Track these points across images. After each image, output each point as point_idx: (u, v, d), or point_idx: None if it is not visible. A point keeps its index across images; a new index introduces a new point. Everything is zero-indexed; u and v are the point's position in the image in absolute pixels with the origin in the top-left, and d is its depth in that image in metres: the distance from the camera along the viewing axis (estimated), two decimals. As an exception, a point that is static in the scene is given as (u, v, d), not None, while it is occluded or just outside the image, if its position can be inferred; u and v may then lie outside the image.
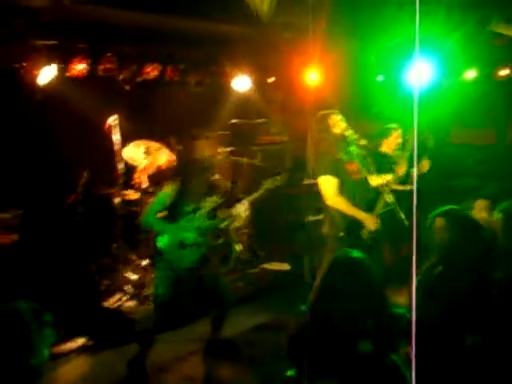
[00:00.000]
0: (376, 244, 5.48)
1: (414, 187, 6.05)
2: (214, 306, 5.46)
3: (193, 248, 5.12)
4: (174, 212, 5.14)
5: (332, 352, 2.39)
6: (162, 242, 5.08)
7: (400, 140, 7.09)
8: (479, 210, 5.28)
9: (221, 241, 6.16)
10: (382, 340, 2.55)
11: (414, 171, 6.08)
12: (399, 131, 7.16)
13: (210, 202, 5.21)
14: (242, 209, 6.62)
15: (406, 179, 6.49)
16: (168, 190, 5.08)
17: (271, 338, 5.85)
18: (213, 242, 5.69)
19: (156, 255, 5.25)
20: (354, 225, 5.48)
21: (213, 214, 5.26)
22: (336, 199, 5.46)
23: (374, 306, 2.76)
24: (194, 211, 5.15)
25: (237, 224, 7.32)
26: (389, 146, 7.16)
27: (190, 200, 5.13)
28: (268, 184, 5.83)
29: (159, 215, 5.15)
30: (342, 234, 5.49)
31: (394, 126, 7.24)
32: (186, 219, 5.12)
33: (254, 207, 6.93)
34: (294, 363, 2.47)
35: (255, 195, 5.85)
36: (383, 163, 6.75)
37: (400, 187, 6.27)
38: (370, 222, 5.43)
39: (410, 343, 2.32)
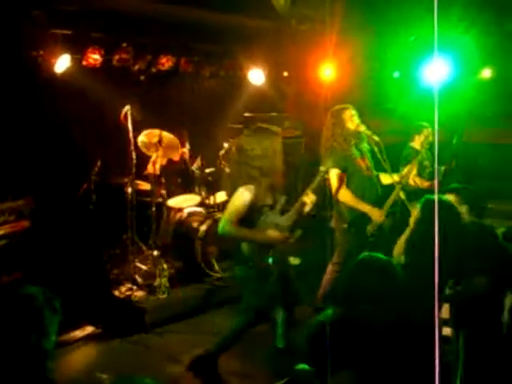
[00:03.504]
0: (379, 241, 5.50)
1: (436, 185, 6.06)
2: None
3: None
4: None
5: (353, 347, 2.43)
6: None
7: (430, 139, 7.10)
8: None
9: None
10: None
11: (436, 168, 6.08)
12: (429, 130, 7.18)
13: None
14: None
15: (432, 175, 6.52)
16: None
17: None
18: None
19: None
20: (359, 219, 5.51)
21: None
22: (343, 192, 5.51)
23: (398, 306, 2.83)
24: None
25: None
26: (420, 142, 7.21)
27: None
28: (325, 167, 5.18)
29: None
30: (345, 225, 5.54)
31: (424, 123, 7.27)
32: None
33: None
34: (312, 359, 2.49)
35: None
36: (404, 159, 6.82)
37: (419, 182, 6.31)
38: (375, 214, 5.46)
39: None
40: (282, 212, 4.72)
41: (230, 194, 4.75)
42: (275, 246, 4.59)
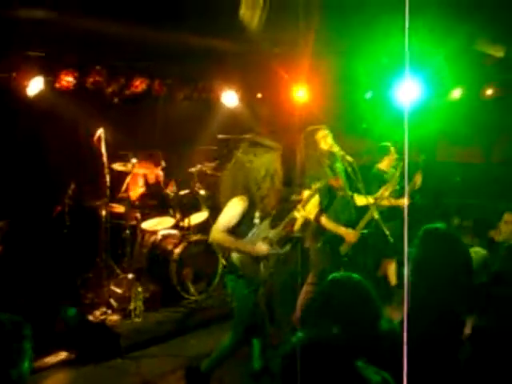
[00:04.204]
0: (353, 260, 5.54)
1: (406, 203, 6.12)
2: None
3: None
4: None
5: (325, 369, 2.40)
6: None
7: (395, 157, 7.16)
8: (506, 223, 5.26)
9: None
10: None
11: (406, 187, 6.14)
12: (394, 149, 7.23)
13: None
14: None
15: (400, 194, 6.57)
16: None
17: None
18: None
19: None
20: (333, 238, 5.54)
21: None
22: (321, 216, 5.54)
23: (368, 323, 2.83)
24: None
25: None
26: (389, 163, 7.22)
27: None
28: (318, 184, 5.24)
29: None
30: (319, 245, 5.56)
31: (389, 143, 7.30)
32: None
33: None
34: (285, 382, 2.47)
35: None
36: (373, 180, 6.85)
37: (393, 201, 6.35)
38: (349, 236, 5.48)
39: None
40: (273, 226, 4.76)
41: (212, 212, 4.75)
42: (266, 259, 4.64)
